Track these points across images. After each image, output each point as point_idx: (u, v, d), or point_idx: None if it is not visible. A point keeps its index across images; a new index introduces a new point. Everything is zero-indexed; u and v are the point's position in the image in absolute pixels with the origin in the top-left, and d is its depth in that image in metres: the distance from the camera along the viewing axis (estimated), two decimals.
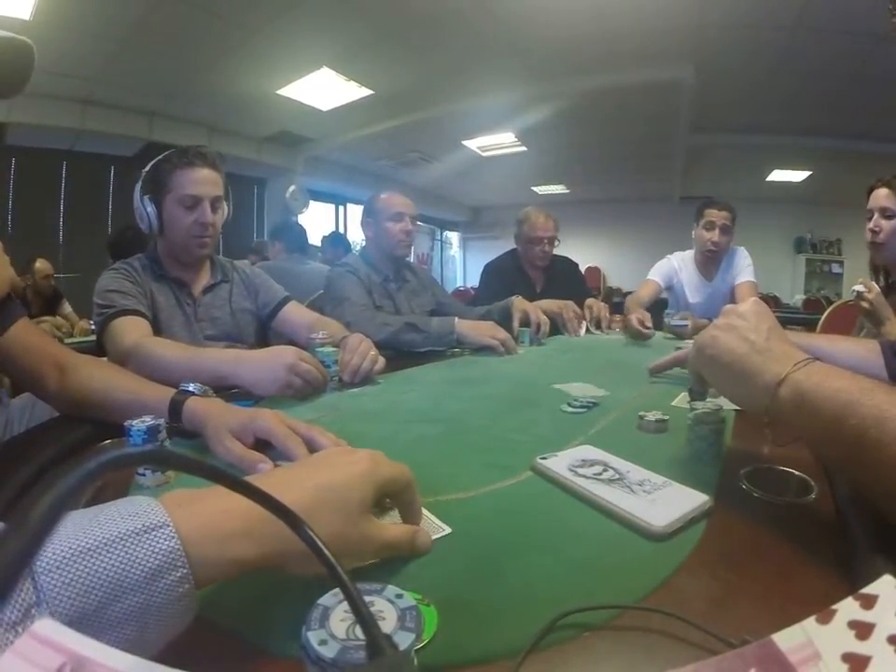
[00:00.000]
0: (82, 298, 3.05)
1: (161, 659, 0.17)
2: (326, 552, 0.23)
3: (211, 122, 4.73)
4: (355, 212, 6.97)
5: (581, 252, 6.01)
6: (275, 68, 3.81)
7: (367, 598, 0.23)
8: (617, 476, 0.49)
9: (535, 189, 7.48)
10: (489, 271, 2.23)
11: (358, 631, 0.23)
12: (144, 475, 0.50)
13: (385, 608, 0.28)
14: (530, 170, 6.54)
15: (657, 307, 1.88)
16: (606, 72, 3.86)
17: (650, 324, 1.51)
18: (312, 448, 0.53)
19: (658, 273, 2.12)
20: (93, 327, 1.06)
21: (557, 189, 7.46)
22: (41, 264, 3.36)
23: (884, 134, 4.26)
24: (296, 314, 1.30)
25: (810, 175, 5.92)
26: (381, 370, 0.97)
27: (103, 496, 0.41)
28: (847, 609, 0.19)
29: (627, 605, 0.32)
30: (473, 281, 7.49)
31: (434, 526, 0.42)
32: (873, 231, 1.44)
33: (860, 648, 0.17)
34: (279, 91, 4.21)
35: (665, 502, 0.44)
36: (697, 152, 5.38)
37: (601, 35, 3.37)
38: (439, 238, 9.37)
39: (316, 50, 3.60)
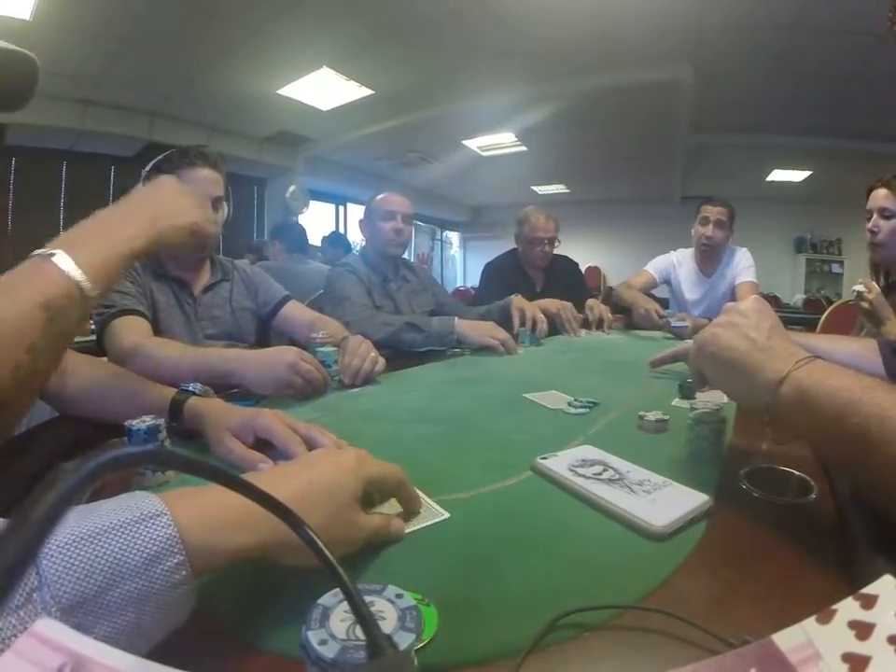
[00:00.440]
0: None
1: (161, 659, 0.17)
2: (326, 552, 0.23)
3: (211, 122, 4.72)
4: (355, 212, 6.96)
5: (582, 252, 5.99)
6: (275, 68, 3.80)
7: (367, 598, 0.23)
8: (617, 476, 0.49)
9: (535, 188, 7.46)
10: (489, 271, 2.23)
11: (359, 631, 0.23)
12: (144, 475, 0.50)
13: (386, 608, 0.28)
14: (530, 170, 6.53)
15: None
16: (606, 72, 3.85)
17: (663, 313, 1.61)
18: (312, 447, 0.54)
19: (655, 266, 2.12)
20: (93, 327, 1.06)
21: (557, 188, 7.44)
22: None
23: (884, 134, 4.26)
24: (296, 312, 1.30)
25: (810, 175, 5.90)
26: (381, 371, 0.97)
27: (102, 495, 0.41)
28: (848, 609, 0.19)
29: (627, 605, 0.32)
30: (473, 281, 7.48)
31: (434, 511, 0.45)
32: (872, 231, 1.44)
33: (860, 648, 0.17)
34: (279, 91, 4.20)
35: (665, 502, 0.44)
36: (697, 152, 5.37)
37: (601, 35, 3.36)
38: (439, 238, 9.36)
39: (316, 50, 3.59)
